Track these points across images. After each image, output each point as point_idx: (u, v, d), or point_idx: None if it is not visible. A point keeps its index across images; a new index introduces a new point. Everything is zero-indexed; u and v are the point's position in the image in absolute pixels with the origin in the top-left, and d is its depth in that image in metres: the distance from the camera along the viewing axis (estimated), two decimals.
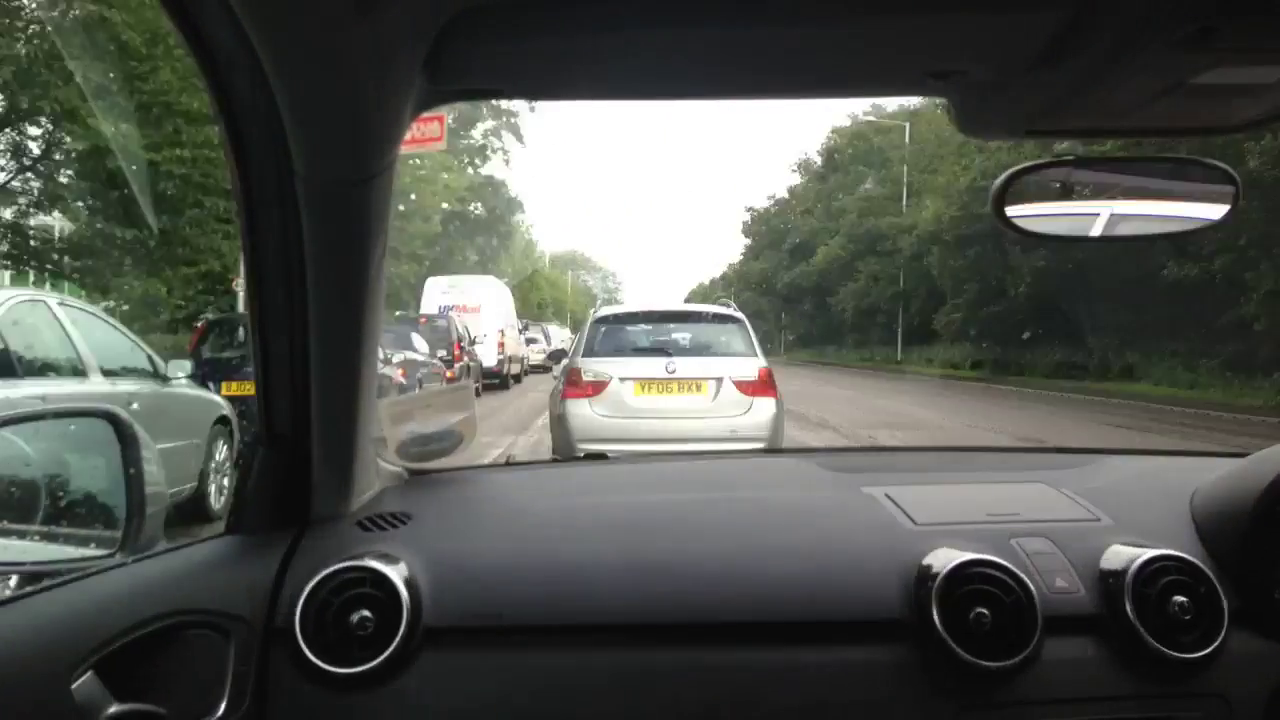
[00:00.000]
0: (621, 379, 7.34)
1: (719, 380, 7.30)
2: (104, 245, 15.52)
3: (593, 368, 7.43)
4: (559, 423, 7.53)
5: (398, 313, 20.40)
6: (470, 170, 43.64)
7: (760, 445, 6.75)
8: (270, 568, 1.18)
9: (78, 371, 5.58)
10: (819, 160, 48.82)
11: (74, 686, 0.94)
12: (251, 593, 1.15)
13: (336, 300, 1.12)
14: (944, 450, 1.91)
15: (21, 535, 1.25)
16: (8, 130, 15.77)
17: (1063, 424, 15.12)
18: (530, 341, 27.76)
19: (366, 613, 1.13)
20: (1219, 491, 1.39)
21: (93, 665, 0.97)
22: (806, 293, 45.74)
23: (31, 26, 14.44)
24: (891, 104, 41.54)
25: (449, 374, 15.58)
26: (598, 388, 7.33)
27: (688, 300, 39.13)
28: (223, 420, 7.15)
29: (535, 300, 57.34)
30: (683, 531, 1.33)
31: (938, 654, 1.17)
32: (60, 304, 5.94)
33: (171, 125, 14.97)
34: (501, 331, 21.88)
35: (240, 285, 12.94)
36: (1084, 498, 1.44)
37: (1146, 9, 0.75)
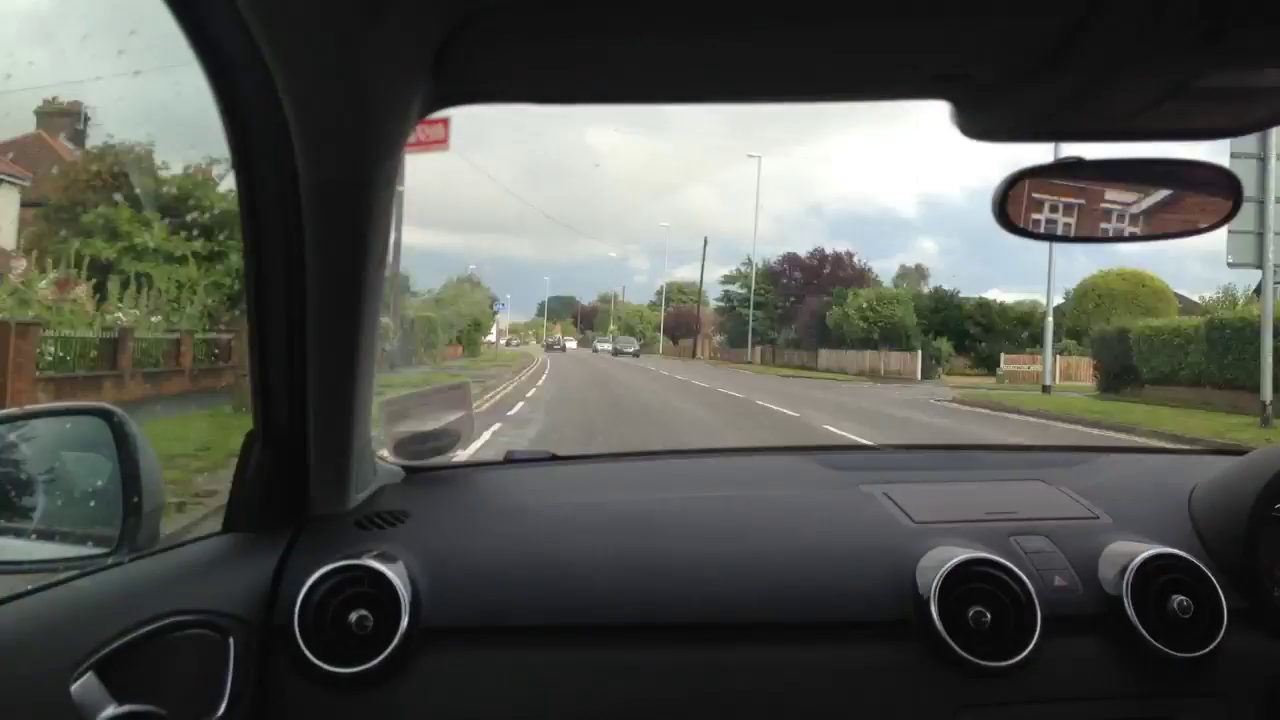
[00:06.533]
0: None
1: None
2: None
3: None
4: None
5: None
6: None
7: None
8: (268, 567, 1.18)
9: None
10: None
11: (73, 687, 0.94)
12: (249, 592, 1.14)
13: (336, 300, 1.12)
14: (943, 449, 1.90)
15: (19, 534, 1.24)
16: None
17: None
18: None
19: (365, 612, 1.12)
20: (1218, 490, 1.38)
21: (92, 666, 0.96)
22: None
23: None
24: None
25: None
26: None
27: None
28: None
29: None
30: (682, 531, 1.33)
31: (937, 653, 1.17)
32: None
33: None
34: None
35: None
36: (1083, 496, 1.44)
37: (1151, 12, 0.75)
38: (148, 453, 1.25)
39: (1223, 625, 1.20)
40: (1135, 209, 1.18)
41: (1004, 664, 1.16)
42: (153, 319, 14.41)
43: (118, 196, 15.54)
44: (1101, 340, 22.89)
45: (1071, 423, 15.60)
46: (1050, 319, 23.15)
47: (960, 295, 40.15)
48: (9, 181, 16.73)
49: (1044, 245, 18.85)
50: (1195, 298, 33.09)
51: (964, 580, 1.19)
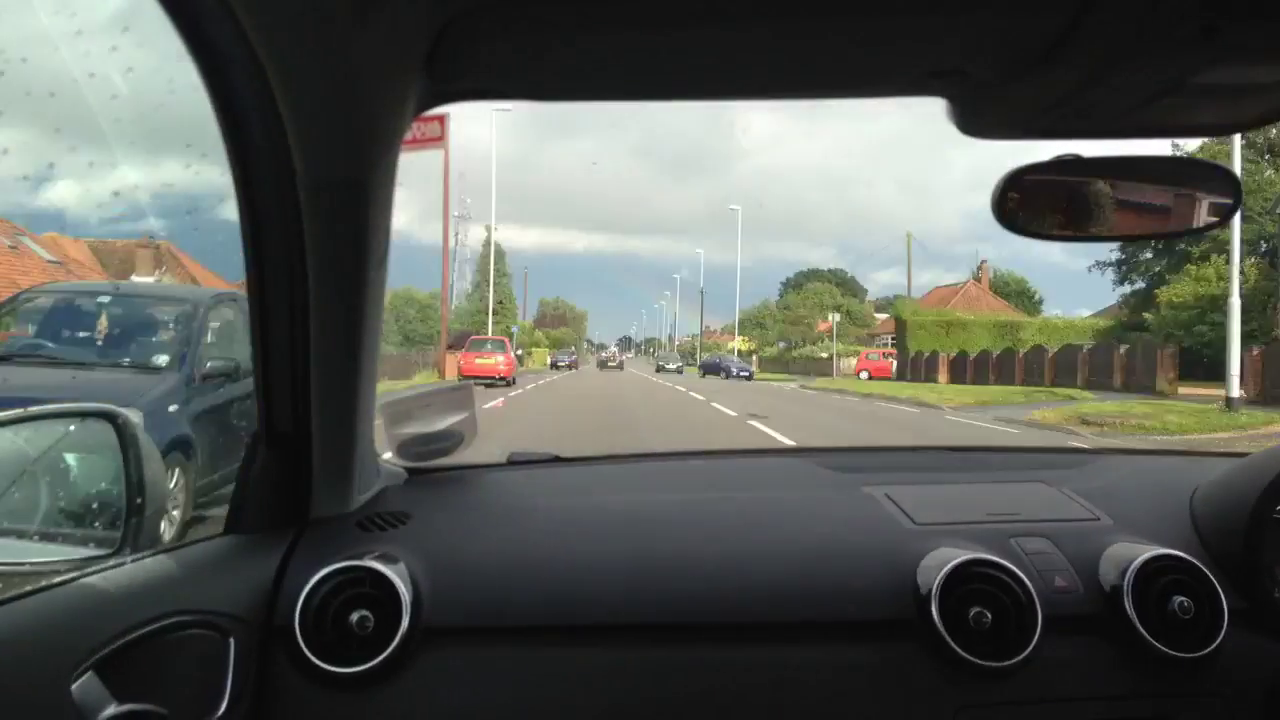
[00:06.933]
0: None
1: None
2: None
3: None
4: None
5: None
6: None
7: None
8: (270, 567, 1.18)
9: None
10: None
11: (73, 687, 0.94)
12: (251, 593, 1.14)
13: (337, 300, 1.12)
14: (944, 450, 1.90)
15: (21, 535, 1.25)
16: None
17: None
18: None
19: (366, 612, 1.13)
20: (1219, 491, 1.39)
21: (92, 665, 0.96)
22: None
23: None
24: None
25: None
26: None
27: None
28: None
29: None
30: (683, 531, 1.33)
31: (937, 653, 1.17)
32: None
33: None
34: None
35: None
36: (1084, 497, 1.44)
37: (1147, 9, 0.75)
38: (151, 455, 1.25)
39: (1223, 626, 1.20)
40: (1133, 207, 1.18)
41: (1004, 664, 1.16)
42: None
43: None
44: None
45: None
46: None
47: None
48: None
49: None
50: None
51: (965, 581, 1.20)
